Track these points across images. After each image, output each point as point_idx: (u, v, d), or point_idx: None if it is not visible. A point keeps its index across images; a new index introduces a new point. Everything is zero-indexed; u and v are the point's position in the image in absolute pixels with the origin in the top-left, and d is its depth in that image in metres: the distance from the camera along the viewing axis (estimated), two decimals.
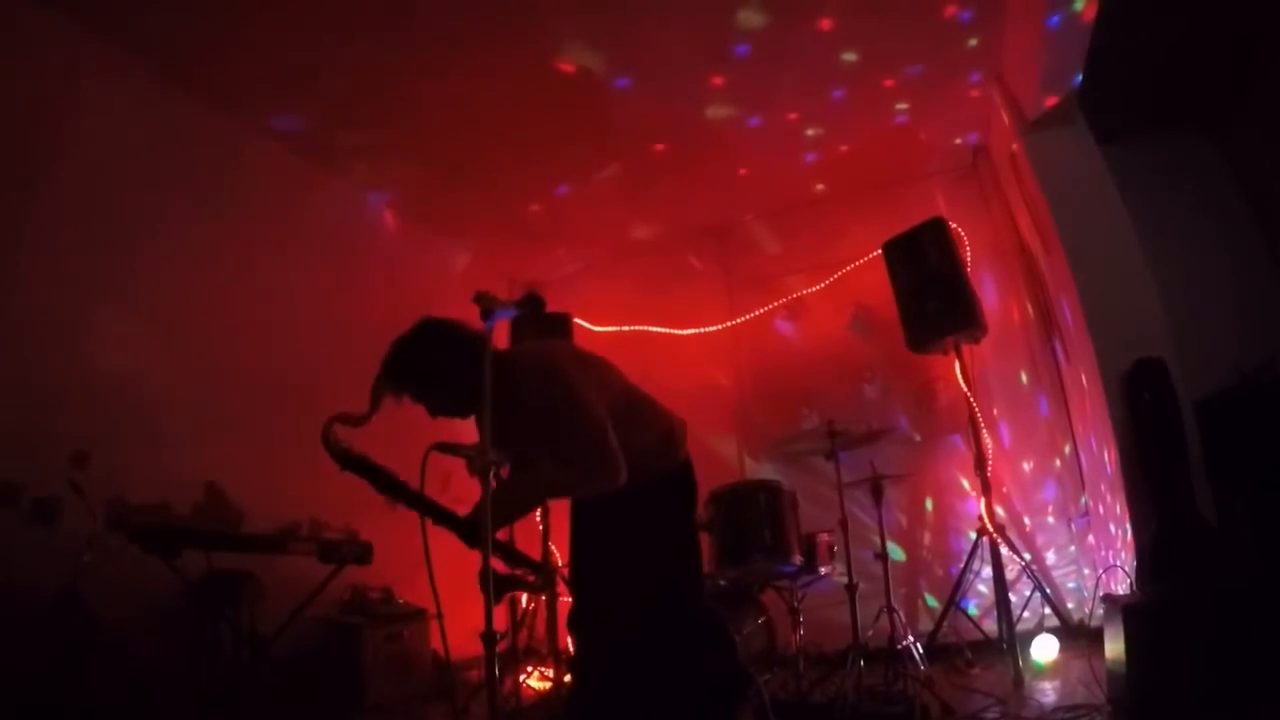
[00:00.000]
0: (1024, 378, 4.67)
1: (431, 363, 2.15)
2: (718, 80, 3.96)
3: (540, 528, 4.26)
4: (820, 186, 5.20)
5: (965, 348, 4.09)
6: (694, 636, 2.32)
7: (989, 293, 4.58)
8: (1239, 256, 4.47)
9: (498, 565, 1.80)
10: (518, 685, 3.73)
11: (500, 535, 2.16)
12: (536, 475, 2.34)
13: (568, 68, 3.74)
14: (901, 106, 4.36)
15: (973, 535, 3.97)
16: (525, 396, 2.12)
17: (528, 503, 2.44)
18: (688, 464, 2.46)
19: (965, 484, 4.54)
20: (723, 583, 3.62)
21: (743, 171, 4.90)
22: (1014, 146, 4.06)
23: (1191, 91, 4.45)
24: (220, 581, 2.87)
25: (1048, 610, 3.81)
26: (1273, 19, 3.77)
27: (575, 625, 2.40)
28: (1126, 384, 3.28)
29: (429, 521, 2.04)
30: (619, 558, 2.31)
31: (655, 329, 5.50)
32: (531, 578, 2.40)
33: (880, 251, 4.42)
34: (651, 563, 2.28)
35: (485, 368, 1.85)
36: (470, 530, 2.02)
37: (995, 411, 4.58)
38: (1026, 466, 4.54)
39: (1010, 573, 3.81)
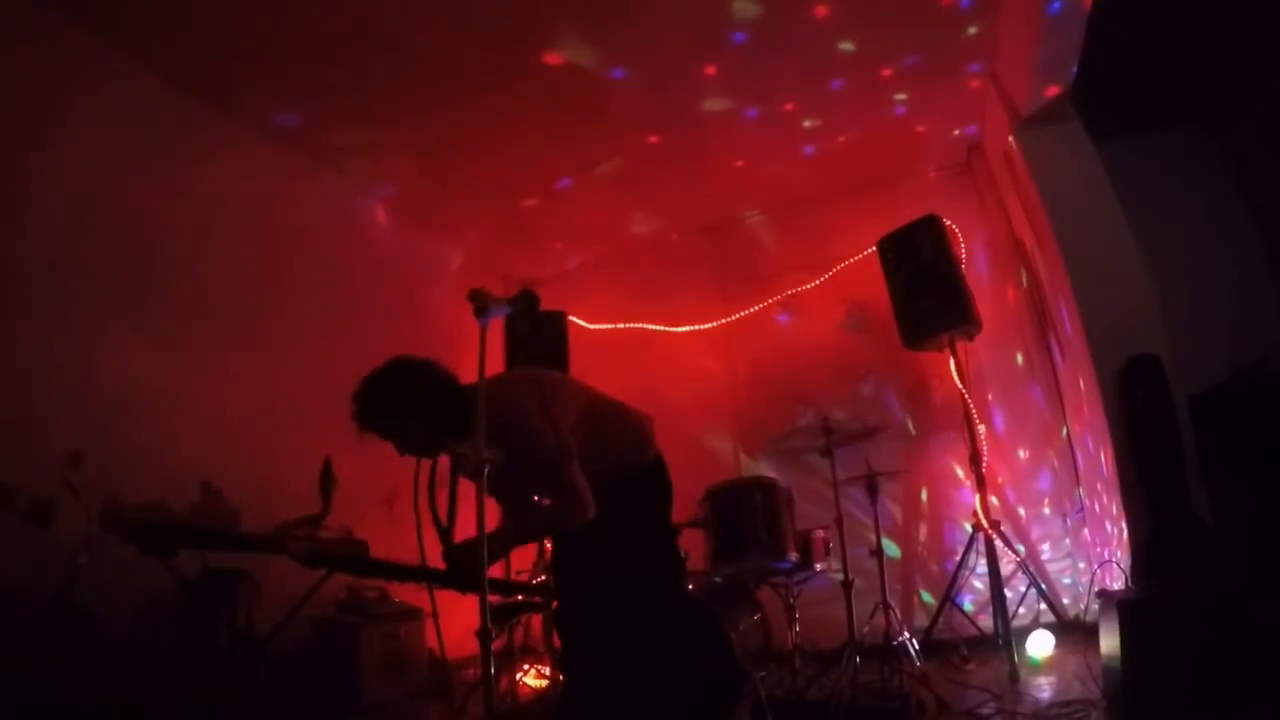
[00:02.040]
0: (1019, 359, 4.66)
1: (401, 402, 2.15)
2: (713, 70, 3.92)
3: None
4: (816, 181, 5.16)
5: (960, 343, 4.09)
6: (682, 633, 2.33)
7: (984, 289, 4.57)
8: (1234, 253, 4.48)
9: (493, 597, 1.81)
10: (514, 683, 3.73)
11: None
12: (509, 524, 2.39)
13: (560, 60, 3.71)
14: (900, 97, 4.33)
15: (968, 527, 3.98)
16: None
17: (506, 547, 2.46)
18: (658, 459, 2.48)
19: (960, 473, 4.54)
20: (718, 579, 3.62)
21: (739, 164, 4.86)
22: (1009, 142, 4.06)
23: (1187, 87, 4.45)
24: (216, 581, 2.84)
25: (1043, 606, 3.83)
26: (1270, 13, 3.77)
27: (561, 624, 2.44)
28: (1121, 380, 3.29)
29: (423, 520, 2.05)
30: (597, 556, 2.32)
31: (650, 326, 5.49)
32: (536, 599, 2.40)
33: (875, 248, 4.42)
34: (629, 559, 2.30)
35: (480, 372, 1.85)
36: (455, 576, 2.03)
37: (990, 398, 4.59)
38: (1022, 454, 4.54)
39: (1005, 568, 3.82)
